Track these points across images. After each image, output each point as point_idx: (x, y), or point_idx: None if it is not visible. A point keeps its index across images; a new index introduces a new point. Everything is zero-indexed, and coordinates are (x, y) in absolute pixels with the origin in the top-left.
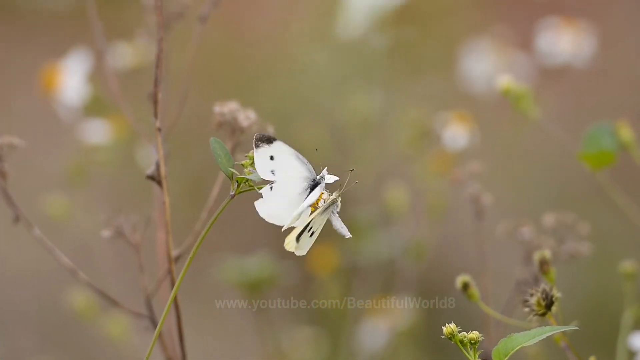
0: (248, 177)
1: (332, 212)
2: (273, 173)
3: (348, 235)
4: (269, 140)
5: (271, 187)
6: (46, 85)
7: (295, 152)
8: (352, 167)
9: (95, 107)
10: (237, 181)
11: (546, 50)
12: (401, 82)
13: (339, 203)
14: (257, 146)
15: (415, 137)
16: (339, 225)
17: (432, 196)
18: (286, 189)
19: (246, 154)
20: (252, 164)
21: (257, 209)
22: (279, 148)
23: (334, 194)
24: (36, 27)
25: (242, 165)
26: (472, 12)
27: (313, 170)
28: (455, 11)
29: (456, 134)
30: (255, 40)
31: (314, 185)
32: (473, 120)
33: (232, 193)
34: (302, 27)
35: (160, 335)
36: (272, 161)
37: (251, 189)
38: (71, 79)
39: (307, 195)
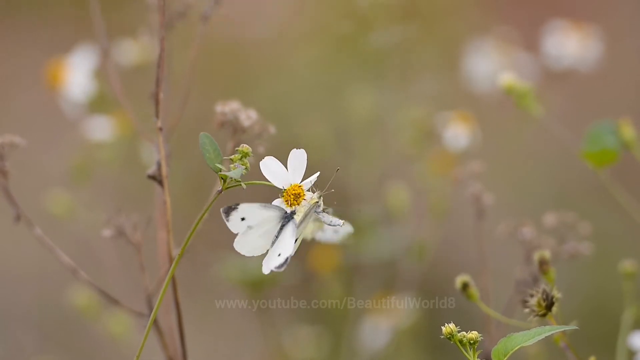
0: (230, 173)
1: (316, 212)
2: (250, 227)
3: (341, 223)
4: (234, 207)
5: (244, 233)
6: (51, 81)
7: (259, 204)
8: (338, 168)
9: (99, 103)
10: (222, 178)
11: (553, 53)
12: (403, 81)
13: (320, 203)
14: (227, 216)
15: (417, 136)
16: (328, 220)
17: (433, 196)
18: (261, 233)
19: (237, 148)
20: (242, 158)
21: (237, 250)
22: (244, 209)
23: (314, 194)
24: (38, 25)
25: (231, 160)
26: (474, 12)
27: (282, 208)
28: (456, 11)
29: (457, 133)
30: (256, 40)
31: (287, 218)
32: (475, 120)
33: (219, 189)
34: (303, 26)
35: (161, 334)
36: (244, 221)
37: (238, 184)
38: (77, 74)
39: (280, 229)
